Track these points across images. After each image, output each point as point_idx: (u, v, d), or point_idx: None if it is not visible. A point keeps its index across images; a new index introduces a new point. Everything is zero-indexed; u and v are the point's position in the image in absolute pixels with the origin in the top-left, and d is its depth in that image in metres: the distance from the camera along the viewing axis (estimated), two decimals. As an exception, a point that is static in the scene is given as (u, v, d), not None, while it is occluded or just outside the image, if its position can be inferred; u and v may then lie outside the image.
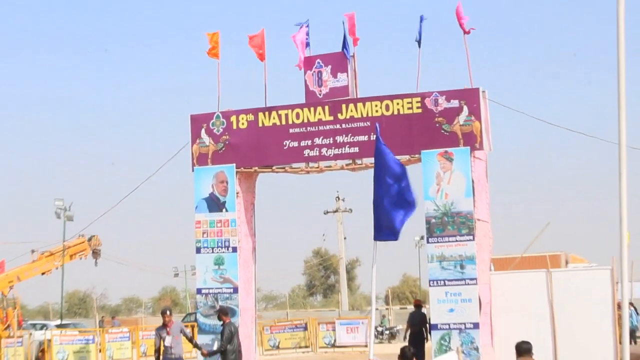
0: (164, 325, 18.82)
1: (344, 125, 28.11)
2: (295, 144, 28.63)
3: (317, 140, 28.35)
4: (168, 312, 19.41)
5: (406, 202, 12.25)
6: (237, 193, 29.27)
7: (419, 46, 27.96)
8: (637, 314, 34.98)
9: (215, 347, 19.54)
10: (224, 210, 29.22)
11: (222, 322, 19.90)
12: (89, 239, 40.41)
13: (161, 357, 19.08)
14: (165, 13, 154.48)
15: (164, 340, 18.63)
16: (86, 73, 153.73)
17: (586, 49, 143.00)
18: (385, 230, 12.40)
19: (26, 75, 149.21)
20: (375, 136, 13.20)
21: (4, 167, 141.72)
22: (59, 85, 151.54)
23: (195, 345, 20.56)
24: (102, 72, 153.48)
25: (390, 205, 12.29)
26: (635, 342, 32.46)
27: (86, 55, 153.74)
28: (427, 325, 27.54)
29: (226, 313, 20.25)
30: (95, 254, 40.79)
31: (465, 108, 27.06)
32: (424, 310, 28.80)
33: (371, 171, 12.76)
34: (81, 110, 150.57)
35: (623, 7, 11.13)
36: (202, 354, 20.79)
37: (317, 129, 28.36)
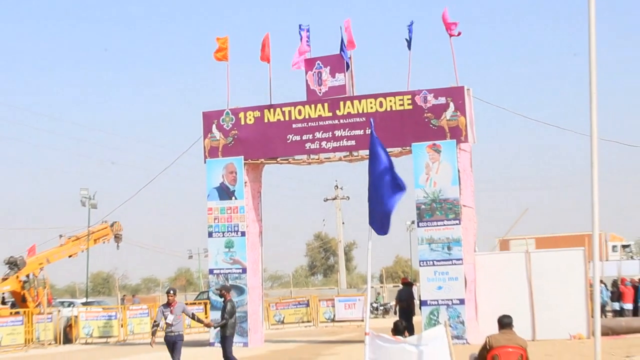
0: (168, 304, 18.32)
1: (341, 121, 28.38)
2: (298, 137, 28.91)
3: (318, 135, 28.65)
4: (172, 292, 18.87)
5: (397, 186, 12.43)
6: (245, 182, 29.56)
7: (409, 48, 28.17)
8: (607, 290, 35.23)
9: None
10: (233, 198, 29.52)
11: (223, 299, 19.73)
12: (111, 225, 40.47)
13: (164, 333, 18.41)
14: (178, 20, 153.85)
15: (165, 318, 18.10)
16: (108, 74, 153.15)
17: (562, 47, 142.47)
18: (378, 221, 12.61)
19: (59, 76, 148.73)
20: (370, 130, 13.34)
21: (36, 160, 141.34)
22: (85, 85, 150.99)
23: (198, 320, 20.19)
24: (119, 73, 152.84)
25: (383, 192, 12.50)
26: (605, 316, 32.70)
27: (107, 56, 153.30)
28: (414, 301, 27.81)
29: (228, 290, 20.21)
30: (117, 238, 40.83)
31: (451, 104, 27.32)
32: (414, 287, 28.99)
33: (367, 162, 12.99)
34: (103, 107, 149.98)
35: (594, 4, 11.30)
36: (207, 325, 20.81)
37: (317, 124, 28.63)
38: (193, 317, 19.22)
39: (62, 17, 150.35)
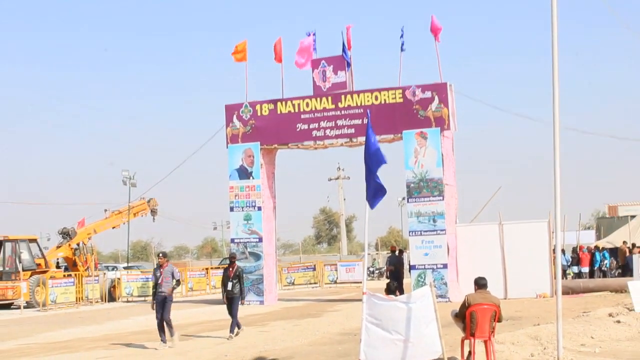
0: (160, 267, 17.26)
1: (343, 112, 28.44)
2: (306, 126, 28.95)
3: (322, 124, 28.70)
4: (161, 255, 17.80)
5: (381, 189, 12.39)
6: (261, 165, 29.60)
7: (402, 50, 28.17)
8: (567, 256, 35.10)
9: (230, 287, 18.41)
10: (251, 178, 29.57)
11: (229, 264, 19.05)
12: (148, 201, 40.57)
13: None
14: (203, 25, 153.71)
15: (157, 279, 17.15)
16: (143, 71, 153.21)
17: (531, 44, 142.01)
18: (371, 198, 12.59)
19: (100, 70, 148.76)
20: (367, 120, 13.31)
21: (85, 145, 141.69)
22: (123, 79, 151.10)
23: (175, 286, 17.68)
24: (153, 71, 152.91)
25: (374, 173, 12.48)
26: (566, 278, 32.71)
27: (143, 58, 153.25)
28: (403, 266, 27.84)
29: (235, 257, 19.78)
30: (153, 212, 40.94)
31: (436, 98, 27.32)
32: (404, 254, 28.98)
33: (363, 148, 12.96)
34: (141, 100, 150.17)
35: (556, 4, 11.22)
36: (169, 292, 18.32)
37: (322, 114, 28.70)
38: (177, 283, 17.51)
39: (111, 21, 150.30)
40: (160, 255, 17.83)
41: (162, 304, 17.03)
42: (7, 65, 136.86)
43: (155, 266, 18.79)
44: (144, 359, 15.35)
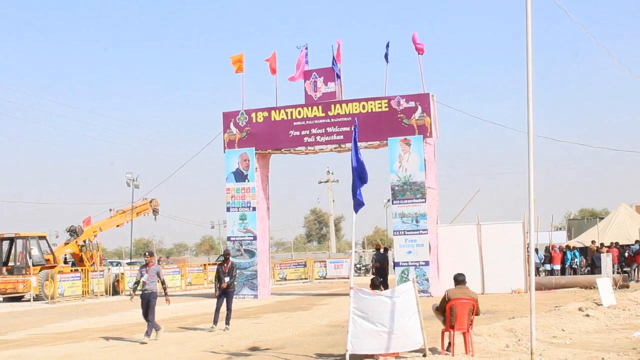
0: (146, 265, 16.44)
1: (332, 120, 28.48)
2: (298, 133, 28.97)
3: (313, 130, 28.74)
4: (148, 254, 16.98)
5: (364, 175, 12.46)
6: (256, 168, 29.61)
7: (387, 62, 28.19)
8: (538, 254, 35.08)
9: (227, 280, 18.22)
10: (246, 180, 29.59)
11: (223, 260, 18.84)
12: (150, 201, 40.44)
13: (139, 289, 16.46)
14: (202, 38, 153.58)
15: (143, 277, 16.27)
16: (145, 81, 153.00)
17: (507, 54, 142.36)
18: (356, 206, 12.64)
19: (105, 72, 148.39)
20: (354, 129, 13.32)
21: (91, 149, 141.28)
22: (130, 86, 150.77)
23: (163, 287, 16.70)
24: (156, 81, 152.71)
25: (357, 178, 12.53)
26: (539, 275, 32.78)
27: (144, 68, 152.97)
28: (388, 263, 27.83)
29: (229, 254, 19.53)
30: (155, 212, 40.81)
31: (419, 107, 27.37)
32: (389, 252, 29.00)
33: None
34: (144, 108, 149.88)
35: (530, 9, 11.22)
36: (166, 299, 16.68)
37: (313, 122, 28.75)
38: (163, 282, 16.57)
39: (115, 29, 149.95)
40: (147, 254, 17.09)
41: (146, 303, 16.24)
42: (10, 66, 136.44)
43: (141, 265, 17.50)
44: (144, 348, 15.29)
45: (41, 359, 14.18)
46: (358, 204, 12.53)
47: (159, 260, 46.10)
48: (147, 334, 16.11)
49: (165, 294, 16.62)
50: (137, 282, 16.54)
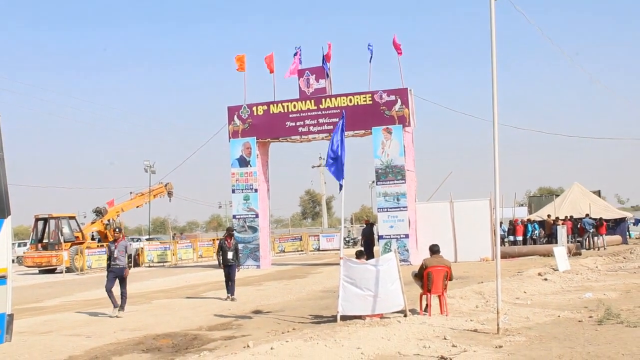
0: (115, 240, 14.95)
1: (323, 112, 28.43)
2: (293, 124, 28.93)
3: (307, 122, 28.71)
4: (117, 230, 15.61)
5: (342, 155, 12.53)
6: (257, 155, 29.59)
7: (370, 61, 28.08)
8: (502, 227, 35.16)
9: (230, 256, 17.58)
10: (249, 166, 29.57)
11: (224, 237, 18.16)
12: (166, 185, 40.31)
13: (110, 264, 14.92)
14: (216, 40, 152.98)
15: (112, 253, 14.78)
16: (160, 77, 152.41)
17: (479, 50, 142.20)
18: (334, 172, 12.70)
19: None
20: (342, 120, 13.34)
21: (113, 138, 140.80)
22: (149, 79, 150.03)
23: (128, 264, 15.19)
24: (169, 76, 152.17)
25: (339, 158, 12.58)
26: (504, 245, 32.88)
27: (157, 67, 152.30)
28: (374, 235, 27.80)
29: (233, 230, 18.76)
30: (170, 194, 40.68)
31: (399, 100, 27.35)
32: (375, 227, 29.01)
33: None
34: (161, 102, 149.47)
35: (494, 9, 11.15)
36: (125, 274, 14.79)
37: (306, 114, 28.71)
38: (129, 257, 15.23)
39: (128, 23, 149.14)
40: (116, 230, 15.78)
41: (117, 277, 14.84)
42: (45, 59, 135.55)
43: (110, 241, 16.36)
44: (163, 312, 15.30)
45: (72, 322, 14.18)
46: (339, 180, 12.54)
47: (173, 236, 45.98)
48: (122, 307, 14.83)
49: (127, 267, 15.00)
50: (110, 258, 15.06)
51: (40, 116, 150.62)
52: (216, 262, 20.94)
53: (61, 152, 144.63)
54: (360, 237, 32.55)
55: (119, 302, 14.82)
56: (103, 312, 15.28)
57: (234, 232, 18.85)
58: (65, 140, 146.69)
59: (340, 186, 12.68)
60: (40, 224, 32.93)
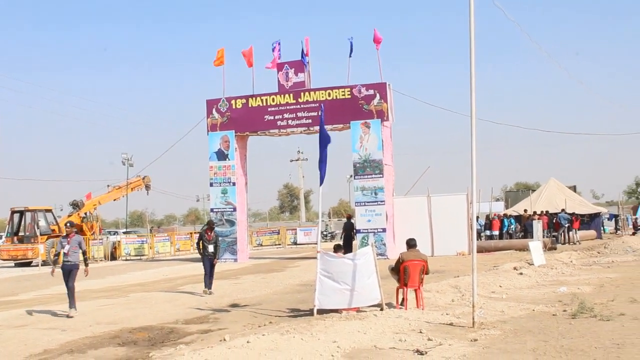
0: (67, 236, 14.17)
1: (302, 106, 28.42)
2: (272, 117, 28.88)
3: (286, 115, 28.66)
4: (68, 225, 14.68)
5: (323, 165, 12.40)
6: (236, 148, 29.50)
7: (350, 55, 28.13)
8: (479, 221, 35.38)
9: (210, 249, 17.36)
10: (227, 159, 29.48)
11: (204, 230, 17.92)
12: (143, 178, 40.13)
13: (61, 260, 14.33)
14: (191, 36, 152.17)
15: (63, 248, 14.02)
16: (138, 71, 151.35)
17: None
18: (322, 173, 12.60)
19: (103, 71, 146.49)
20: (321, 113, 13.31)
21: (90, 132, 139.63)
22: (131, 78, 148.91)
23: (84, 259, 14.31)
24: (148, 71, 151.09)
25: (322, 157, 12.49)
26: (480, 239, 33.06)
27: (140, 60, 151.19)
28: (354, 230, 27.85)
29: (213, 224, 18.57)
30: (147, 187, 40.49)
31: (377, 95, 27.40)
32: (352, 221, 29.05)
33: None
34: (137, 95, 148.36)
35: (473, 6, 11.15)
36: (86, 270, 14.13)
37: (285, 108, 28.67)
38: (84, 253, 14.29)
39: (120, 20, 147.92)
40: (68, 224, 14.81)
41: (68, 273, 14.12)
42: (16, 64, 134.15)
43: (62, 236, 15.31)
44: (140, 305, 15.22)
45: (48, 317, 14.05)
46: (322, 177, 12.50)
47: (151, 229, 45.75)
48: (73, 306, 14.11)
49: (86, 265, 14.28)
50: (58, 254, 14.48)
51: (14, 109, 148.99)
52: (193, 256, 20.90)
53: (37, 145, 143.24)
54: (340, 232, 32.56)
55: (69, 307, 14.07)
56: (79, 306, 15.14)
57: (215, 225, 18.64)
58: (41, 133, 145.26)
59: (321, 180, 12.64)
60: (16, 216, 32.66)
